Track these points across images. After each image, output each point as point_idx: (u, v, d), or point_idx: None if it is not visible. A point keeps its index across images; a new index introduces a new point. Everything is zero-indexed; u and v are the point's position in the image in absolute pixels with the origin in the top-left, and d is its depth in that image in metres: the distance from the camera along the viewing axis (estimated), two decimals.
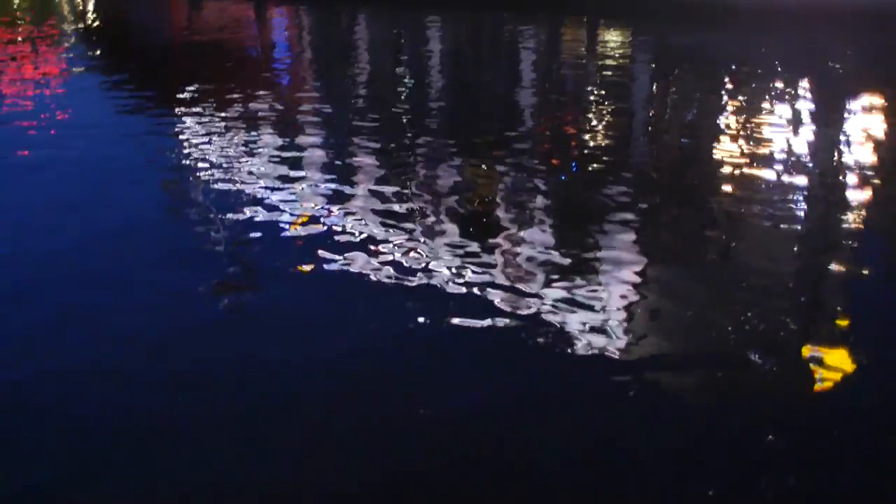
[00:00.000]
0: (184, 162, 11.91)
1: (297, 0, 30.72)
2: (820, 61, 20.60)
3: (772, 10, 24.53)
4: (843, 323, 7.32)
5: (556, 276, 7.94)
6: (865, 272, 8.45)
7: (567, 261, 8.36)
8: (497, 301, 7.42)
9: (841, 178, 11.24)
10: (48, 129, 13.93)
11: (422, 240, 8.84)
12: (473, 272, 8.00)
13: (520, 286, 7.69)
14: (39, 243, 8.95)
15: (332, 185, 10.64)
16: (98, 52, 23.52)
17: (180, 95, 16.35)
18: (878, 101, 16.61)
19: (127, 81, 18.89)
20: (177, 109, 15.39)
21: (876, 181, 11.04)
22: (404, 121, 14.64)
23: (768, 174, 11.21)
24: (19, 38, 24.29)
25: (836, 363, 6.51)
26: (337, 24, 28.17)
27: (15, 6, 35.59)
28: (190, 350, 6.79)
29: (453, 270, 8.08)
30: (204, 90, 16.70)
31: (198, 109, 15.14)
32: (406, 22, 27.51)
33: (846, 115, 15.31)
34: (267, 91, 17.00)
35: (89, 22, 29.45)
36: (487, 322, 7.08)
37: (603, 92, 17.31)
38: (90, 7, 34.39)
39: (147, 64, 21.43)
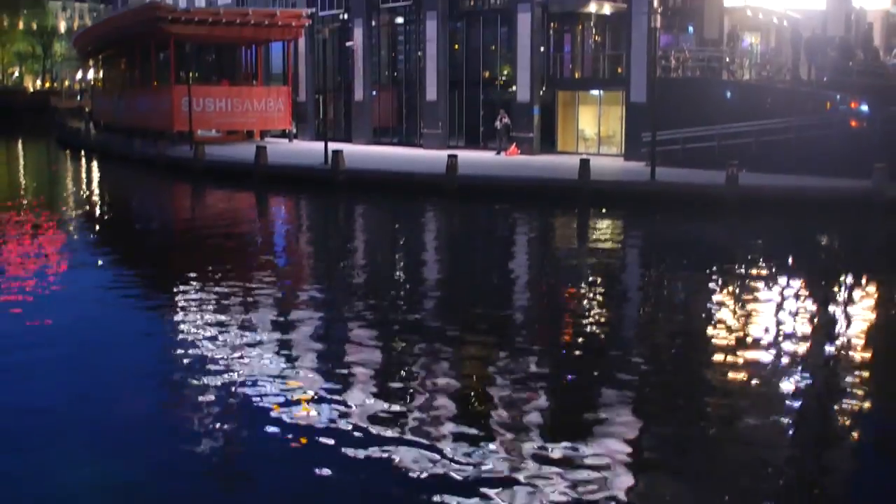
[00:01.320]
0: (179, 352, 12.10)
1: (298, 189, 31.68)
2: (804, 249, 21.31)
3: (755, 200, 25.48)
4: None
5: (550, 470, 8.04)
6: (857, 470, 8.62)
7: (561, 454, 8.45)
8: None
9: (833, 369, 11.48)
10: (42, 316, 14.04)
11: (415, 434, 8.89)
12: (467, 469, 8.09)
13: (516, 478, 7.81)
14: None
15: (326, 380, 10.77)
16: (98, 236, 24.06)
17: (177, 283, 16.66)
18: (865, 289, 17.16)
19: (125, 267, 19.31)
20: (173, 297, 15.68)
21: (867, 374, 11.27)
22: (400, 309, 14.96)
23: (761, 366, 11.42)
24: (23, 221, 24.89)
25: None
26: (335, 212, 29.01)
27: (22, 189, 36.65)
28: None
29: (448, 464, 8.20)
30: (202, 278, 17.08)
31: (195, 297, 15.45)
32: (403, 211, 28.32)
33: (836, 303, 15.70)
34: (265, 279, 17.40)
35: (92, 205, 30.24)
36: None
37: (596, 280, 17.76)
38: (94, 189, 35.37)
39: (146, 250, 21.89)
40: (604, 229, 25.61)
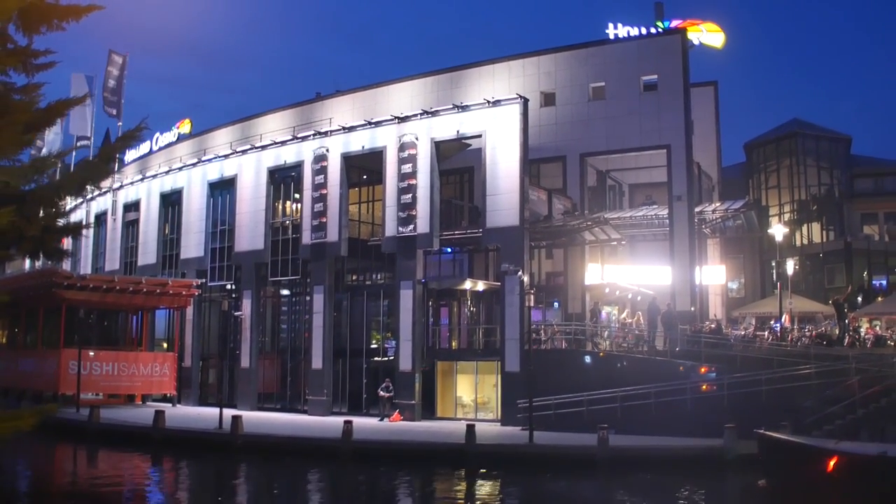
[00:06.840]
0: None
1: (199, 452, 32.25)
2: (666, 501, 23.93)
3: (624, 459, 28.38)
4: None
5: None
6: None
7: None
8: None
9: None
10: None
11: None
12: None
13: None
14: None
15: None
16: None
17: None
18: None
19: None
20: None
21: None
22: None
23: None
24: None
25: None
26: (237, 475, 30.01)
27: None
28: None
29: None
30: None
31: None
32: (303, 470, 29.66)
33: None
34: None
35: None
36: None
37: None
38: None
39: None
40: (495, 487, 27.67)
